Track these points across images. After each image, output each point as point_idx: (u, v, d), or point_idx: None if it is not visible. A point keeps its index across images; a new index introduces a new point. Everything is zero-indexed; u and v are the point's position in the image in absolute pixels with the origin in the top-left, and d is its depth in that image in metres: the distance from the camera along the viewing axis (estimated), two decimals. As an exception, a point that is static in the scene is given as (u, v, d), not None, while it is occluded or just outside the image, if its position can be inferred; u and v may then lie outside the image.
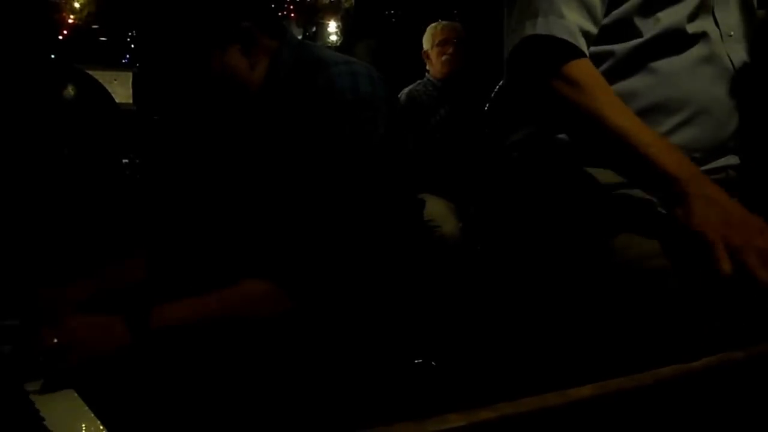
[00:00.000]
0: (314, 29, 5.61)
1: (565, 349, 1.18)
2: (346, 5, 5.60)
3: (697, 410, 0.74)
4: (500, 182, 1.39)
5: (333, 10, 5.60)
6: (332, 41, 5.60)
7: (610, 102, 1.16)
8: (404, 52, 4.65)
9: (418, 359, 1.32)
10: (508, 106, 1.41)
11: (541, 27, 1.18)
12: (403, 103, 3.51)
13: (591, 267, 1.19)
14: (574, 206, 1.23)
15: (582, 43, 1.19)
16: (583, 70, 1.19)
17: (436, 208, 3.07)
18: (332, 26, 5.63)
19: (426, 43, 3.60)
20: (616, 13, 1.26)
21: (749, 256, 0.99)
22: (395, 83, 3.60)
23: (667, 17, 1.24)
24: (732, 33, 1.30)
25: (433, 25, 3.64)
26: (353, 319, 1.26)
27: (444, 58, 3.51)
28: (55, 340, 1.10)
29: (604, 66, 1.24)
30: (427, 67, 3.62)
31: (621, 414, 0.70)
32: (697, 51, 1.26)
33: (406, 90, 3.57)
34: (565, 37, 1.17)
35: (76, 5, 4.50)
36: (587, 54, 1.21)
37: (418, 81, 3.61)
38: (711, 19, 1.28)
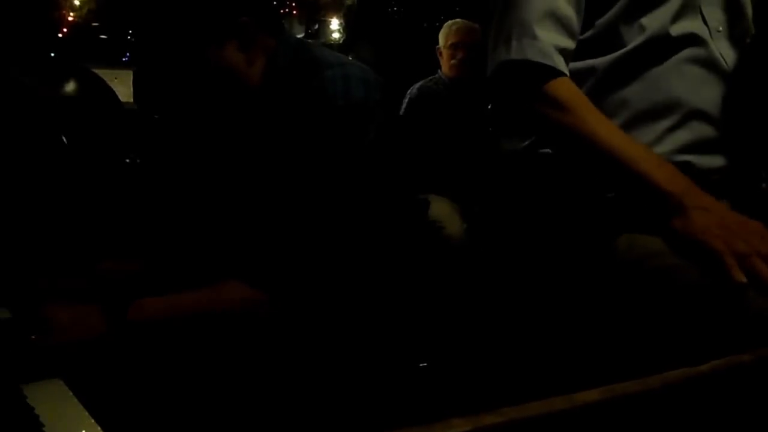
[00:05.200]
0: (316, 26, 5.61)
1: (572, 352, 1.17)
2: (349, 2, 5.60)
3: (705, 413, 0.73)
4: (505, 183, 1.38)
5: (335, 8, 5.60)
6: (335, 39, 5.60)
7: (597, 120, 1.16)
8: (407, 49, 4.65)
9: (422, 363, 1.32)
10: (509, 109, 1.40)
11: (515, 52, 1.19)
12: (415, 99, 3.48)
13: (596, 268, 1.18)
14: (578, 207, 1.22)
15: (559, 62, 1.19)
16: (564, 89, 1.19)
17: (441, 209, 3.06)
18: (335, 23, 5.63)
19: (440, 40, 3.56)
20: (600, 23, 1.24)
21: (756, 262, 0.99)
22: (399, 81, 3.59)
23: (651, 22, 1.22)
24: (720, 29, 1.27)
25: (449, 23, 3.58)
26: (356, 322, 1.25)
27: (453, 62, 3.48)
28: (33, 335, 1.12)
29: (589, 82, 1.24)
30: (440, 64, 3.60)
31: (628, 418, 0.69)
32: (684, 53, 1.23)
33: (417, 85, 3.54)
34: (540, 59, 1.17)
35: (76, 3, 4.50)
36: (566, 71, 1.20)
37: (430, 77, 3.59)
38: (698, 17, 1.26)
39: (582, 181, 1.23)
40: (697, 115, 1.23)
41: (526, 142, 1.31)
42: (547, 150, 1.27)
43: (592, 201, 1.21)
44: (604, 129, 1.15)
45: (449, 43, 3.49)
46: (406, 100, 3.53)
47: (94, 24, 4.49)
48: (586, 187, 1.22)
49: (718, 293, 1.03)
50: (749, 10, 1.32)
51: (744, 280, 0.99)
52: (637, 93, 1.23)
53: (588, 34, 1.25)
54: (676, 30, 1.23)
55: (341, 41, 5.53)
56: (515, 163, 1.34)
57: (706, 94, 1.24)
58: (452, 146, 3.30)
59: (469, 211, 3.07)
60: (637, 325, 1.11)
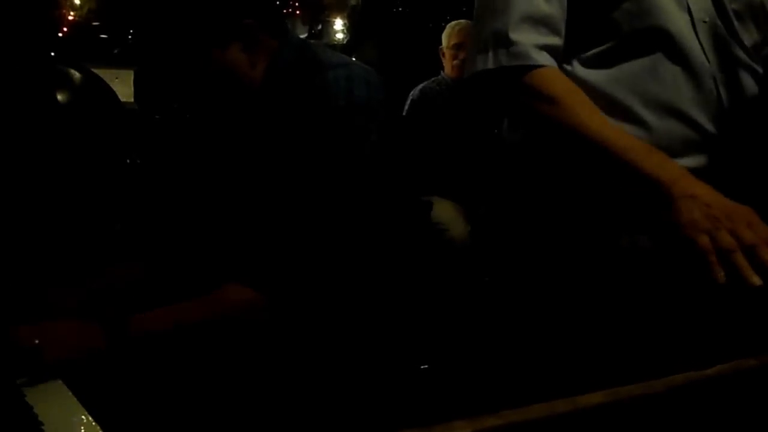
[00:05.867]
0: (320, 27, 5.61)
1: (575, 354, 1.16)
2: (353, 2, 5.59)
3: (710, 419, 0.73)
4: (510, 184, 1.37)
5: (339, 8, 5.59)
6: (338, 39, 5.60)
7: (589, 112, 1.14)
8: (412, 50, 4.64)
9: (424, 365, 1.32)
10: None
11: (491, 62, 1.19)
12: (417, 100, 3.49)
13: (600, 270, 1.17)
14: (586, 207, 1.21)
15: (540, 57, 1.18)
16: (550, 79, 1.18)
17: (445, 211, 3.06)
18: (338, 24, 5.62)
19: (443, 41, 3.58)
20: (576, 18, 1.23)
21: (739, 258, 0.98)
22: (403, 82, 3.59)
23: (624, 16, 1.20)
24: (706, 20, 1.23)
25: (452, 24, 3.60)
26: (357, 324, 1.25)
27: (455, 62, 3.49)
28: (36, 341, 1.11)
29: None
30: (443, 65, 3.60)
31: (631, 422, 0.68)
32: (661, 50, 1.20)
33: (419, 86, 3.56)
34: (515, 63, 1.17)
35: (77, 2, 4.50)
36: (550, 64, 1.19)
37: (433, 78, 3.60)
38: (682, 7, 1.22)
39: (587, 180, 1.21)
40: (672, 116, 1.21)
41: (524, 133, 1.30)
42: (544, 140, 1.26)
43: (598, 200, 1.19)
44: (595, 121, 1.13)
45: (452, 43, 3.50)
46: (409, 101, 3.53)
47: (95, 24, 4.50)
48: (592, 186, 1.20)
49: (723, 292, 1.02)
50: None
51: (723, 280, 0.97)
52: (613, 93, 1.21)
53: (568, 31, 1.24)
54: (651, 26, 1.20)
55: (345, 42, 5.53)
56: (517, 155, 1.33)
57: (686, 93, 1.20)
58: (455, 148, 3.30)
59: (472, 213, 3.07)
60: (642, 327, 1.10)
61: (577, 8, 1.22)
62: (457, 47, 3.48)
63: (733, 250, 0.98)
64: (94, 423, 0.95)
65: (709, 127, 1.21)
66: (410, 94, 3.55)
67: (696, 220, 1.01)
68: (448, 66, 3.53)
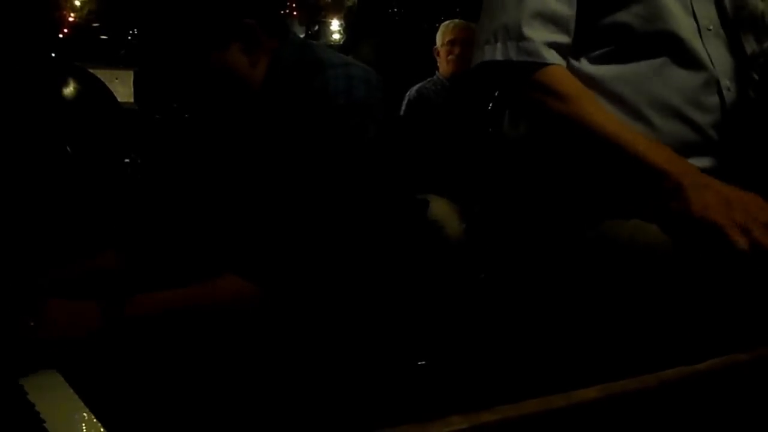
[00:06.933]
0: (317, 27, 5.61)
1: (570, 350, 1.17)
2: (349, 3, 5.60)
3: (702, 412, 0.74)
4: (504, 182, 1.38)
5: (336, 9, 5.59)
6: (335, 39, 5.60)
7: (595, 109, 1.17)
8: (408, 50, 4.65)
9: (421, 361, 1.32)
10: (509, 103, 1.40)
11: (500, 53, 1.21)
12: (413, 100, 3.51)
13: (595, 267, 1.18)
14: (585, 203, 1.22)
15: (548, 55, 1.20)
16: (559, 77, 1.20)
17: (441, 209, 3.06)
18: (335, 24, 5.63)
19: (437, 40, 3.61)
20: (584, 19, 1.24)
21: (756, 230, 1.00)
22: (399, 82, 3.60)
23: (635, 18, 1.22)
24: (711, 27, 1.26)
25: (445, 23, 3.63)
26: (355, 321, 1.26)
27: (450, 57, 3.52)
28: (31, 323, 1.12)
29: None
30: (438, 65, 3.63)
31: (625, 416, 0.69)
32: (667, 53, 1.23)
33: (416, 87, 3.57)
34: (524, 58, 1.19)
35: (77, 3, 4.50)
36: (558, 62, 1.21)
37: (429, 78, 3.61)
38: (688, 13, 1.24)
39: (584, 178, 1.22)
40: (676, 117, 1.22)
41: (527, 128, 1.31)
42: (547, 137, 1.27)
43: (595, 198, 1.20)
44: (603, 116, 1.16)
45: (446, 40, 3.52)
46: (406, 101, 3.54)
47: (95, 24, 4.49)
48: (589, 184, 1.22)
49: (720, 286, 1.03)
50: (752, 8, 1.30)
51: (746, 246, 0.99)
52: (620, 91, 1.23)
53: (577, 29, 1.25)
54: (661, 30, 1.22)
55: (341, 42, 5.53)
56: (519, 150, 1.34)
57: (690, 97, 1.22)
58: (451, 147, 3.30)
59: (468, 211, 3.07)
60: (637, 323, 1.11)
61: (587, 8, 1.24)
62: (452, 43, 3.51)
63: (748, 224, 1.01)
64: (89, 411, 0.95)
65: (711, 131, 1.23)
66: (407, 94, 3.56)
67: (710, 203, 1.04)
68: (443, 64, 3.55)
